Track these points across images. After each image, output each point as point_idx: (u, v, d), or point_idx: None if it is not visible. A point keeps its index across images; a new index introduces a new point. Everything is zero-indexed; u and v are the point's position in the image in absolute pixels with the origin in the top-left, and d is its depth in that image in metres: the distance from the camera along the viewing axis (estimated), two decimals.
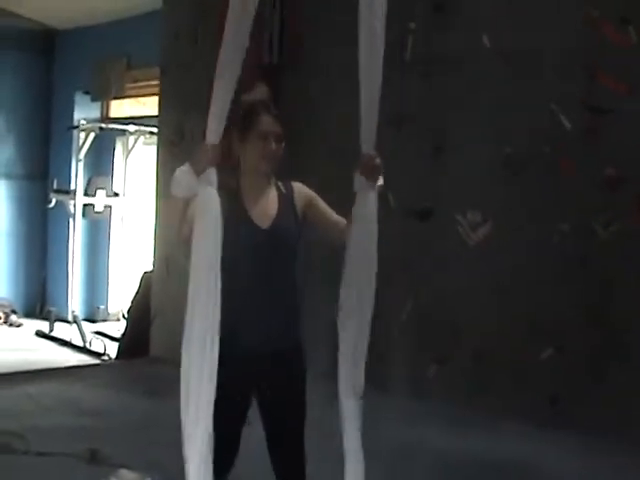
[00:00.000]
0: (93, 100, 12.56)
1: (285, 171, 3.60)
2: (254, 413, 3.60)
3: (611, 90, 6.40)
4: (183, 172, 3.21)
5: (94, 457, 5.53)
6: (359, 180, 3.51)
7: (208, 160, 3.20)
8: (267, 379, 3.53)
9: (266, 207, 3.55)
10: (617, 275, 6.44)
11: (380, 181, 3.55)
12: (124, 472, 5.05)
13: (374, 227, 3.52)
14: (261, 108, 3.52)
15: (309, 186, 3.65)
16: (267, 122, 3.50)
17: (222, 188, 3.27)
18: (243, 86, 3.34)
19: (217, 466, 3.19)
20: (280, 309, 3.54)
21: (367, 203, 3.51)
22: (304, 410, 3.63)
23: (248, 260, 3.46)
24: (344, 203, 3.52)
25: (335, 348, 3.50)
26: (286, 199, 3.60)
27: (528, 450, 6.09)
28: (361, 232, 3.50)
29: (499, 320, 7.03)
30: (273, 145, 3.49)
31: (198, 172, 3.19)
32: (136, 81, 11.82)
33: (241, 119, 3.51)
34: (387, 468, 5.52)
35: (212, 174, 3.22)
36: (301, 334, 3.64)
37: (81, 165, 12.01)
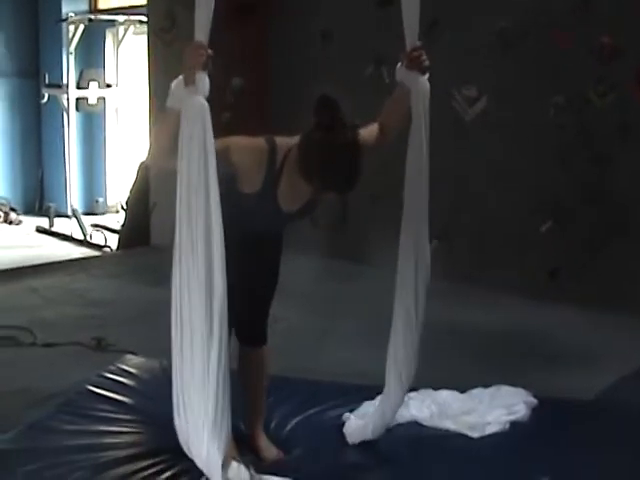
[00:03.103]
0: None
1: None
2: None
3: None
4: (178, 82, 3.08)
5: (100, 345, 5.60)
6: (406, 75, 3.55)
7: (197, 63, 3.03)
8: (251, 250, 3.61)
9: (298, 197, 3.46)
10: (614, 147, 6.42)
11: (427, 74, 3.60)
12: (130, 357, 5.11)
13: (427, 122, 3.67)
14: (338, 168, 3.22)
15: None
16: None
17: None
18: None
19: None
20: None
21: (419, 97, 3.59)
22: (277, 277, 3.81)
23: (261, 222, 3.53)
24: None
25: None
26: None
27: (528, 322, 6.17)
28: (417, 129, 3.64)
29: (497, 196, 7.04)
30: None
31: (187, 80, 3.04)
32: None
33: (311, 160, 3.25)
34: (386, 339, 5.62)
35: (202, 80, 3.04)
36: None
37: (72, 58, 11.83)
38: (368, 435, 4.02)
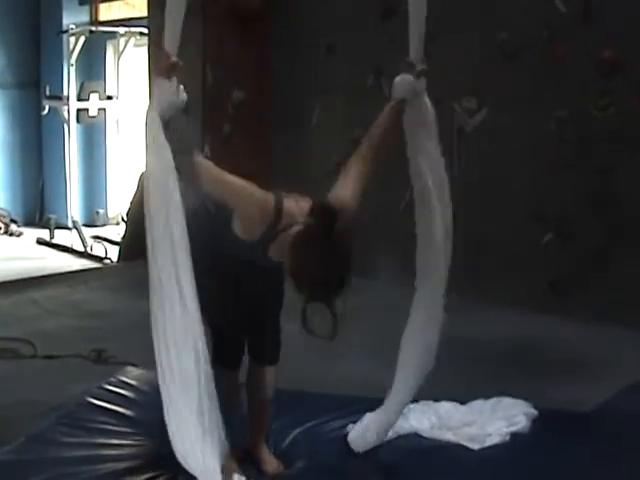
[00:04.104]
0: (81, 4, 12.34)
1: None
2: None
3: None
4: (158, 85, 3.10)
5: (100, 357, 5.60)
6: (410, 85, 3.61)
7: (164, 70, 3.05)
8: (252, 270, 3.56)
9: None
10: (617, 160, 6.41)
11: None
12: (130, 369, 5.11)
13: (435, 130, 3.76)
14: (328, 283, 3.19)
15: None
16: None
17: None
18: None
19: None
20: None
21: (423, 104, 3.70)
22: (283, 292, 3.78)
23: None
24: None
25: None
26: None
27: (529, 334, 6.17)
28: (422, 138, 3.74)
29: (497, 207, 7.04)
30: None
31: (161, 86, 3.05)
32: None
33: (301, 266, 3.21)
34: (385, 354, 5.61)
35: (161, 86, 3.05)
36: None
37: (73, 70, 11.86)
38: (372, 438, 4.03)
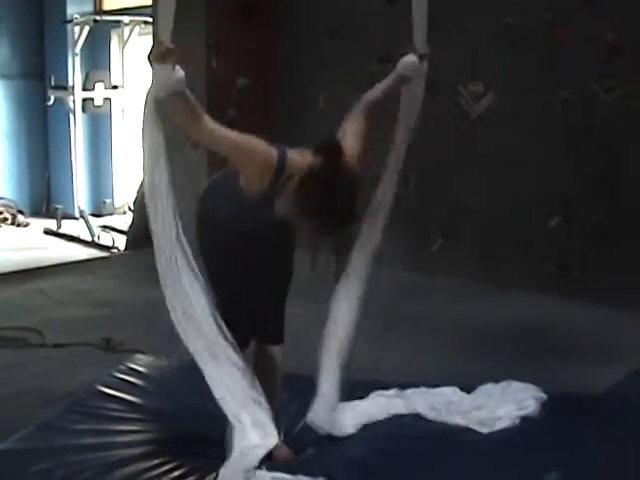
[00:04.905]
0: None
1: None
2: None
3: None
4: (156, 70, 3.17)
5: (109, 345, 5.61)
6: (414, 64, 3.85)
7: (160, 56, 3.11)
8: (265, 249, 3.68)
9: None
10: (622, 144, 6.40)
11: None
12: (139, 357, 5.11)
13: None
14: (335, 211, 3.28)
15: None
16: None
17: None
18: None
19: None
20: None
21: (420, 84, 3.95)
22: (291, 274, 3.89)
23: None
24: None
25: None
26: None
27: (538, 317, 6.16)
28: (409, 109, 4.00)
29: (505, 191, 7.03)
30: None
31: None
32: None
33: (308, 201, 3.30)
34: (398, 336, 5.62)
35: (160, 73, 3.12)
36: None
37: (77, 60, 11.86)
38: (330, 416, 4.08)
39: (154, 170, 3.28)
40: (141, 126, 3.26)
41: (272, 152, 3.39)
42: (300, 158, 3.40)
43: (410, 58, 3.87)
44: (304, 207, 3.29)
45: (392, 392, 4.41)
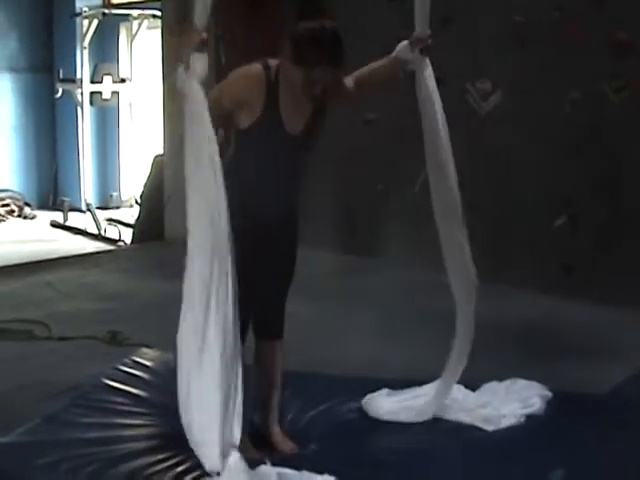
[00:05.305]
0: None
1: None
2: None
3: None
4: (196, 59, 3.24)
5: (115, 338, 5.61)
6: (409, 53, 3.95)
7: (192, 45, 3.20)
8: (270, 245, 3.72)
9: (300, 115, 3.62)
10: (627, 144, 6.39)
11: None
12: (145, 351, 5.12)
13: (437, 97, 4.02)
14: (324, 41, 3.52)
15: None
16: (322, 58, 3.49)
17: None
18: None
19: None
20: (288, 193, 3.77)
21: (426, 76, 3.98)
22: (293, 270, 3.91)
23: (273, 159, 3.62)
24: None
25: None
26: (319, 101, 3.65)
27: (543, 317, 6.16)
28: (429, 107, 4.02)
29: (511, 190, 7.02)
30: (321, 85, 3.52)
31: (184, 63, 3.20)
32: None
33: (300, 44, 3.52)
34: (405, 332, 5.62)
35: (197, 61, 3.20)
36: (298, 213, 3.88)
37: (86, 53, 11.88)
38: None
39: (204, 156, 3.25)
40: (186, 114, 3.24)
41: (256, 65, 3.58)
42: (283, 58, 3.57)
43: (404, 43, 3.99)
44: (299, 47, 3.49)
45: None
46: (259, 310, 3.81)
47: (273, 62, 3.61)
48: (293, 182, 3.77)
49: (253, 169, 3.62)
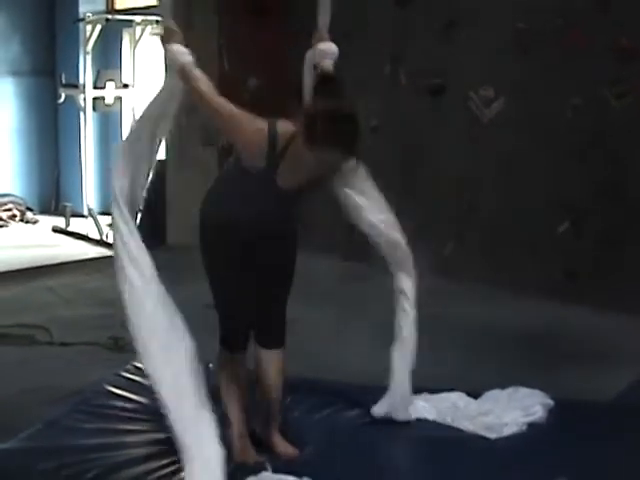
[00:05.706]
0: None
1: None
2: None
3: None
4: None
5: (116, 344, 5.61)
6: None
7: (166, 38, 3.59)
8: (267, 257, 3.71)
9: (295, 179, 3.52)
10: (630, 149, 6.39)
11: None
12: None
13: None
14: (341, 125, 3.34)
15: None
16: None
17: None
18: None
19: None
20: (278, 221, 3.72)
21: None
22: (292, 279, 3.90)
23: (263, 201, 3.58)
24: None
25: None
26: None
27: (545, 322, 6.15)
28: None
29: (514, 197, 7.02)
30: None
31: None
32: None
33: (315, 123, 3.33)
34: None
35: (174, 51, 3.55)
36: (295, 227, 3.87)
37: (89, 58, 11.84)
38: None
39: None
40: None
41: (263, 123, 3.49)
42: (290, 127, 3.46)
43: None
44: (313, 128, 3.32)
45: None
46: (259, 320, 3.83)
47: (282, 127, 3.49)
48: (283, 213, 3.71)
49: (240, 193, 3.60)
